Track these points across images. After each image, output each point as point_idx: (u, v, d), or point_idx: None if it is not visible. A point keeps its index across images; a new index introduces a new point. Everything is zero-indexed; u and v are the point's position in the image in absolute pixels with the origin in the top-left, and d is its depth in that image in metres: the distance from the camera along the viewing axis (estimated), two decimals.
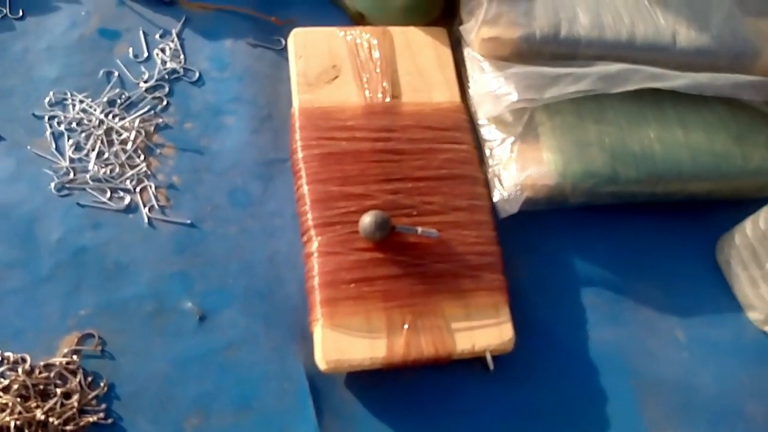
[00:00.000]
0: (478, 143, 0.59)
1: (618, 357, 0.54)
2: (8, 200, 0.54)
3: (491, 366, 0.51)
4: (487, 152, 0.59)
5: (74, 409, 0.46)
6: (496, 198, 0.56)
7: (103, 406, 0.47)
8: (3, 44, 0.62)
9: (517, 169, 0.56)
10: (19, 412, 0.45)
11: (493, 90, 0.58)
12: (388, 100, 0.59)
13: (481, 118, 0.60)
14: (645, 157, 0.58)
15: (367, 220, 0.51)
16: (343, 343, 0.49)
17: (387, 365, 0.49)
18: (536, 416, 0.51)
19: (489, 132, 0.59)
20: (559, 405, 0.51)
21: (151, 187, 0.56)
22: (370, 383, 0.50)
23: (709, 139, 0.60)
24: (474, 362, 0.52)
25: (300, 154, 0.55)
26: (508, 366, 0.52)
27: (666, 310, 0.56)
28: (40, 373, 0.47)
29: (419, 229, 0.52)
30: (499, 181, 0.57)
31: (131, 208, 0.55)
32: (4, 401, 0.45)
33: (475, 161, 0.58)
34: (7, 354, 0.48)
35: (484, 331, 0.51)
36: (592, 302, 0.56)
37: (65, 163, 0.56)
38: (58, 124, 0.58)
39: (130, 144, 0.58)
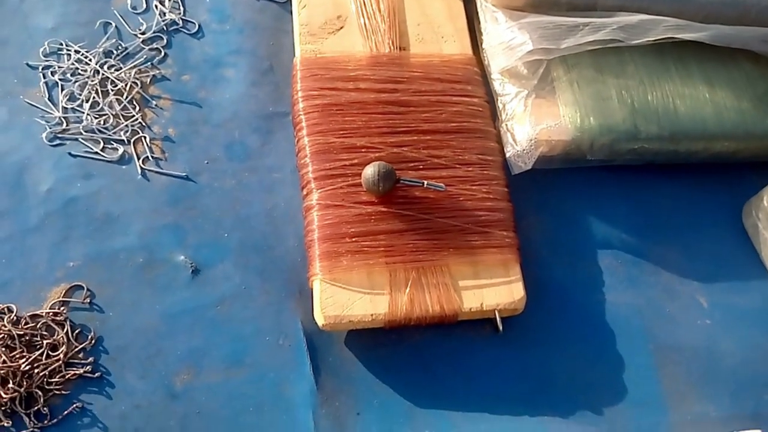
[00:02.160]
0: (491, 97, 0.56)
1: (636, 321, 0.50)
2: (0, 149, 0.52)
3: (500, 327, 0.48)
4: (500, 107, 0.56)
5: (60, 362, 0.44)
6: (508, 153, 0.53)
7: (91, 359, 0.45)
8: None
9: (531, 124, 0.53)
10: (3, 362, 0.43)
11: (507, 41, 0.55)
12: (394, 51, 0.56)
13: (494, 72, 0.56)
14: (667, 113, 0.54)
15: (369, 171, 0.48)
16: (343, 298, 0.46)
17: (389, 323, 0.46)
18: (548, 381, 0.48)
19: (502, 86, 0.56)
20: (573, 370, 0.48)
21: (145, 138, 0.54)
22: (372, 343, 0.48)
23: (736, 97, 0.56)
24: (482, 323, 0.49)
25: (300, 105, 0.53)
26: (519, 328, 0.49)
27: (688, 274, 0.53)
28: (26, 323, 0.45)
29: (425, 183, 0.49)
30: (512, 136, 0.54)
31: (124, 160, 0.53)
32: None
33: (486, 115, 0.55)
34: None
35: (493, 289, 0.48)
36: (609, 265, 0.53)
37: (58, 113, 0.54)
38: (53, 74, 0.56)
39: (125, 95, 0.55)
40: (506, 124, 0.54)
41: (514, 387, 0.47)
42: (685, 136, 0.55)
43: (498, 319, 0.47)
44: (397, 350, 0.47)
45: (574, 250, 0.53)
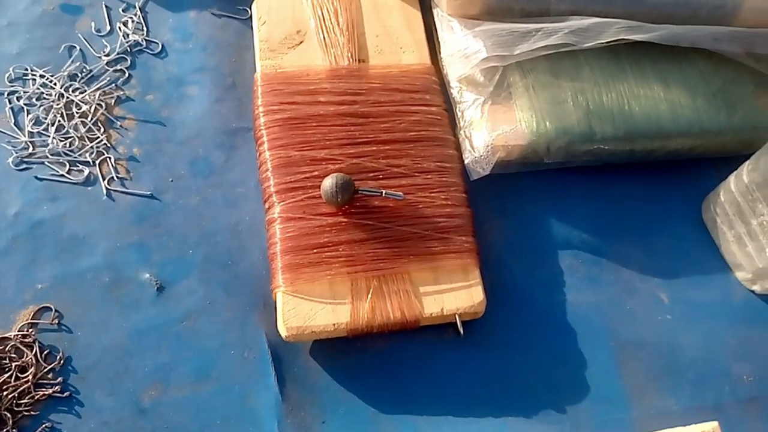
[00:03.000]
0: (450, 106, 0.57)
1: (597, 319, 0.51)
2: None
3: (462, 331, 0.49)
4: (459, 114, 0.57)
5: (29, 383, 0.45)
6: (467, 159, 0.54)
7: (60, 379, 0.46)
8: None
9: (487, 129, 0.54)
10: None
11: (463, 49, 0.56)
12: (354, 63, 0.57)
13: (453, 80, 0.58)
14: (622, 113, 0.55)
15: (328, 183, 0.49)
16: (306, 309, 0.47)
17: (352, 332, 0.47)
18: (511, 382, 0.49)
19: (460, 94, 0.57)
20: (535, 370, 0.49)
21: (110, 159, 0.55)
22: (337, 352, 0.48)
23: (690, 94, 0.57)
24: (445, 328, 0.50)
25: (261, 120, 0.54)
26: (481, 331, 0.50)
27: (648, 271, 0.54)
28: None
29: (384, 192, 0.50)
30: (470, 142, 0.55)
31: (90, 181, 0.54)
32: None
33: (445, 123, 0.56)
34: None
35: (453, 294, 0.49)
36: (569, 265, 0.54)
37: (24, 138, 0.55)
38: (18, 99, 0.57)
39: (89, 117, 0.56)
40: (464, 131, 0.56)
41: (477, 389, 0.48)
42: (640, 135, 0.56)
43: (459, 322, 0.48)
44: (361, 358, 0.48)
45: (535, 252, 0.54)
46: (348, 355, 0.48)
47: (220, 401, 0.46)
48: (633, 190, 0.57)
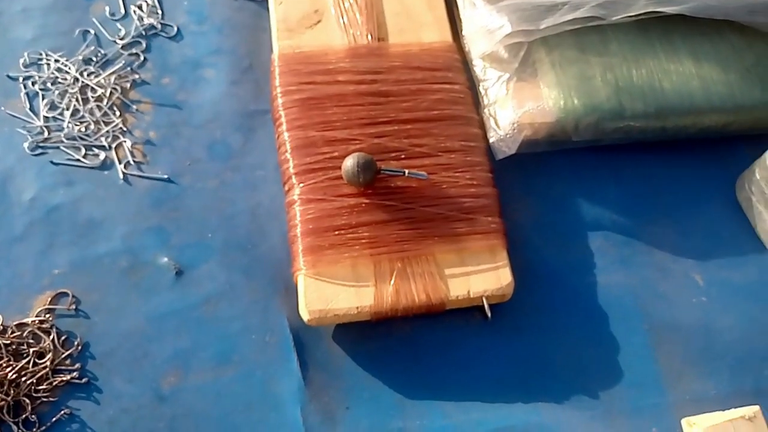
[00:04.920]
0: (473, 84, 0.56)
1: (630, 302, 0.49)
2: None
3: (489, 314, 0.47)
4: (482, 92, 0.55)
5: (47, 369, 0.44)
6: (491, 138, 0.53)
7: (78, 365, 0.45)
8: None
9: (513, 107, 0.52)
10: None
11: (486, 25, 0.54)
12: (373, 42, 0.55)
13: (475, 57, 0.56)
14: (653, 90, 0.53)
15: (349, 162, 0.47)
16: (328, 292, 0.45)
17: (375, 315, 0.46)
18: (541, 366, 0.47)
19: (483, 71, 0.55)
20: (566, 354, 0.47)
21: (126, 143, 0.54)
22: (360, 337, 0.47)
23: (722, 69, 0.55)
24: (471, 312, 0.48)
25: (279, 101, 0.52)
26: (509, 314, 0.48)
27: (682, 252, 0.52)
28: (12, 332, 0.45)
29: (407, 171, 0.48)
30: (495, 121, 0.53)
31: (106, 165, 0.53)
32: None
33: (468, 102, 0.54)
34: None
35: (480, 276, 0.47)
36: (600, 246, 0.52)
37: (39, 123, 0.54)
38: (33, 84, 0.56)
39: (105, 101, 0.55)
40: (488, 110, 0.54)
41: (506, 374, 0.46)
42: (671, 111, 0.54)
43: (486, 305, 0.47)
44: (385, 343, 0.47)
45: (564, 233, 0.52)
46: (371, 339, 0.47)
47: (241, 386, 0.44)
48: (664, 169, 0.55)
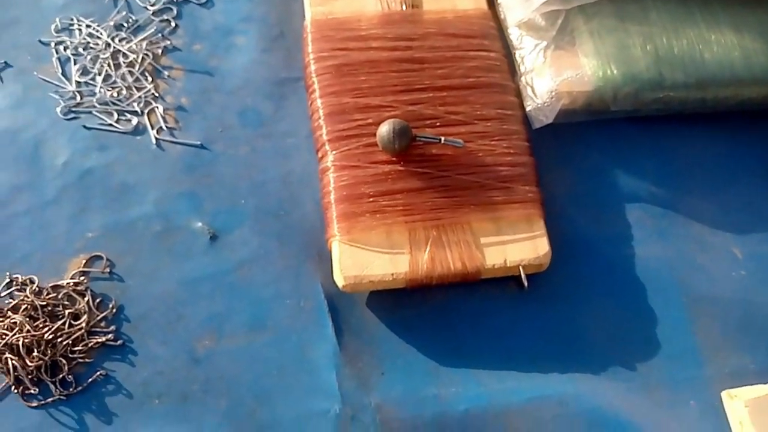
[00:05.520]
0: (508, 52, 0.55)
1: (667, 274, 0.49)
2: (15, 125, 0.53)
3: (526, 283, 0.46)
4: (519, 60, 0.54)
5: (83, 330, 0.44)
6: (528, 107, 0.52)
7: (112, 327, 0.45)
8: None
9: (551, 75, 0.51)
10: (27, 331, 0.43)
11: None
12: (407, 8, 0.54)
13: (511, 25, 0.55)
14: (693, 60, 0.52)
15: (384, 129, 0.47)
16: (362, 258, 0.45)
17: (410, 282, 0.45)
18: (577, 337, 0.46)
19: (520, 39, 0.54)
20: (603, 325, 0.47)
21: (158, 108, 0.53)
22: (394, 305, 0.47)
23: (765, 40, 0.54)
24: (507, 281, 0.47)
25: (312, 67, 0.52)
26: (545, 284, 0.47)
27: (720, 226, 0.51)
28: (48, 294, 0.45)
29: (443, 139, 0.48)
30: (532, 89, 0.52)
31: (139, 130, 0.53)
32: (13, 321, 0.43)
33: (504, 69, 0.53)
34: (15, 275, 0.46)
35: (516, 245, 0.46)
36: (637, 218, 0.51)
37: (72, 87, 0.54)
38: (65, 49, 0.56)
39: (137, 66, 0.55)
40: (525, 78, 0.53)
41: (541, 344, 0.46)
42: (712, 82, 0.52)
43: (523, 275, 0.46)
44: (420, 310, 0.46)
45: (601, 205, 0.51)
46: (406, 307, 0.46)
47: (275, 351, 0.44)
48: (704, 141, 0.54)
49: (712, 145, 0.54)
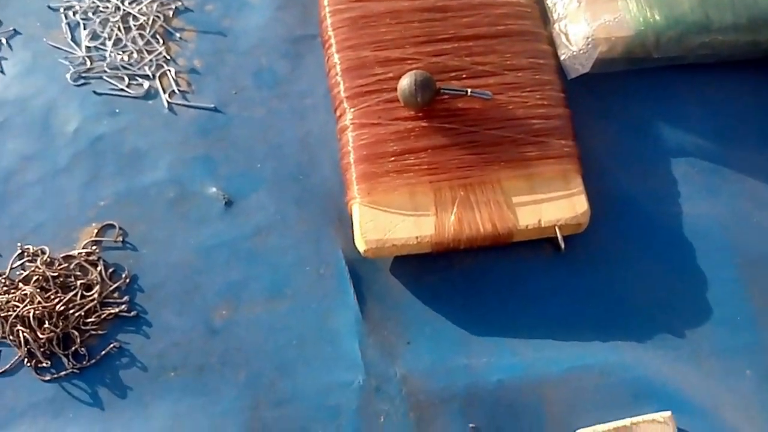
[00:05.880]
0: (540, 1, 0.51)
1: (718, 233, 0.45)
2: (24, 93, 0.51)
3: (563, 245, 0.43)
4: (551, 7, 0.50)
5: (95, 301, 0.42)
6: (563, 56, 0.48)
7: (126, 298, 0.43)
8: None
9: (586, 20, 0.47)
10: (39, 303, 0.41)
11: None
12: None
13: None
14: None
15: (405, 81, 0.44)
16: (385, 221, 0.42)
17: (436, 246, 0.42)
18: (620, 302, 0.43)
19: None
20: (648, 289, 0.43)
21: (170, 72, 0.51)
22: (419, 270, 0.44)
23: None
24: (541, 244, 0.44)
25: (328, 21, 0.49)
26: (584, 246, 0.44)
27: None
28: (59, 265, 0.44)
29: (469, 91, 0.44)
30: (566, 37, 0.48)
31: (150, 95, 0.50)
32: (24, 292, 0.42)
33: (535, 16, 0.49)
34: (26, 246, 0.44)
35: (552, 204, 0.43)
36: (684, 173, 0.47)
37: (81, 53, 0.52)
38: (74, 14, 0.54)
39: (147, 29, 0.53)
40: (558, 25, 0.49)
41: (581, 310, 0.43)
42: (765, 23, 0.48)
43: (560, 236, 0.43)
44: (447, 276, 0.44)
45: (643, 160, 0.47)
46: (432, 273, 0.44)
47: (295, 320, 0.42)
48: (756, 89, 0.50)
49: (765, 93, 0.49)
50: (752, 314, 0.42)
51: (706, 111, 0.49)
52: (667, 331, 0.42)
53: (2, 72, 0.52)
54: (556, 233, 0.43)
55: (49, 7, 0.54)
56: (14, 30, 0.54)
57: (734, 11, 0.47)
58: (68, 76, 0.51)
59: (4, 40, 0.53)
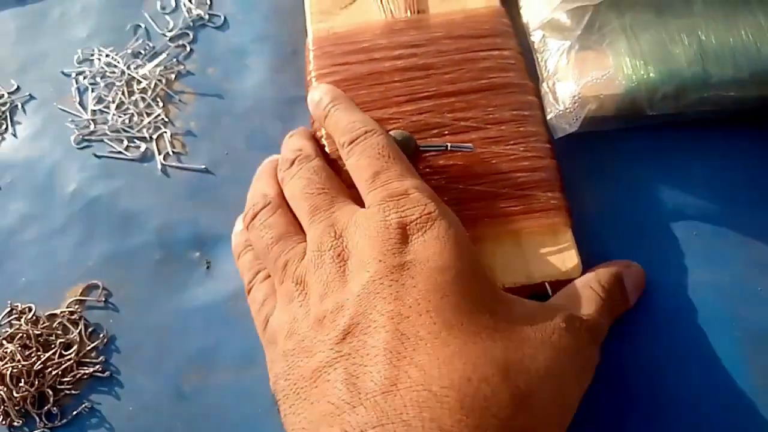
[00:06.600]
0: (527, 51, 0.50)
1: (718, 304, 0.41)
2: (33, 155, 0.53)
3: (550, 293, 0.41)
4: (542, 65, 0.49)
5: (72, 361, 0.43)
6: (550, 115, 0.46)
7: (102, 358, 0.43)
8: (43, 11, 0.62)
9: (574, 78, 0.46)
10: (18, 361, 0.42)
11: None
12: (412, 15, 0.51)
13: (533, 27, 0.50)
14: (746, 52, 0.45)
15: None
16: None
17: None
18: (613, 375, 0.40)
19: (543, 42, 0.49)
20: (642, 361, 0.40)
21: (167, 134, 0.53)
22: None
23: None
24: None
25: (314, 84, 0.49)
26: None
27: None
28: (43, 323, 0.45)
29: (449, 145, 0.43)
30: (553, 95, 0.47)
31: (147, 157, 0.52)
32: (5, 350, 0.43)
33: (520, 68, 0.48)
34: (16, 304, 0.46)
35: (540, 260, 0.41)
36: (683, 238, 0.44)
37: (86, 116, 0.54)
38: (84, 78, 0.57)
39: (149, 92, 0.55)
40: (547, 83, 0.47)
41: None
42: None
43: (550, 291, 0.40)
44: None
45: (637, 223, 0.45)
46: None
47: (265, 387, 0.41)
48: (761, 147, 0.46)
49: None
50: (755, 393, 0.38)
51: (707, 170, 0.46)
52: (662, 408, 0.39)
53: (15, 135, 0.55)
54: (546, 289, 0.41)
55: (62, 72, 0.57)
56: (29, 95, 0.57)
57: (735, 65, 0.45)
58: (72, 138, 0.53)
59: (20, 105, 0.56)
